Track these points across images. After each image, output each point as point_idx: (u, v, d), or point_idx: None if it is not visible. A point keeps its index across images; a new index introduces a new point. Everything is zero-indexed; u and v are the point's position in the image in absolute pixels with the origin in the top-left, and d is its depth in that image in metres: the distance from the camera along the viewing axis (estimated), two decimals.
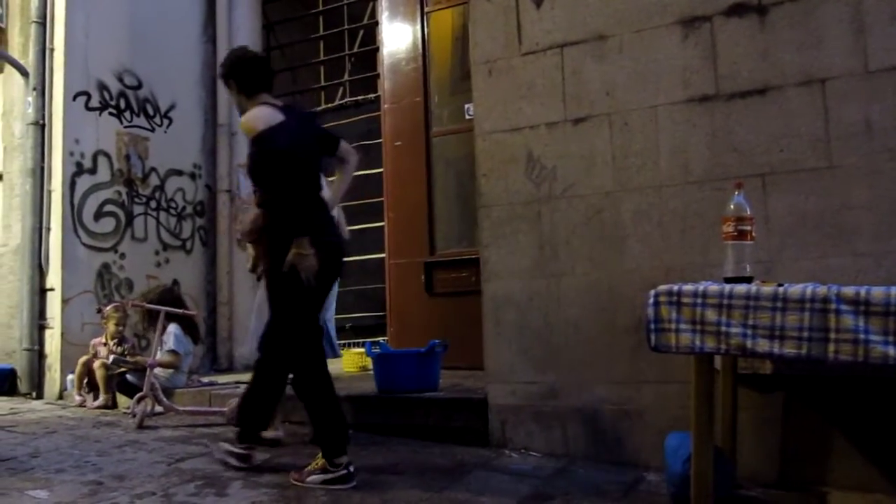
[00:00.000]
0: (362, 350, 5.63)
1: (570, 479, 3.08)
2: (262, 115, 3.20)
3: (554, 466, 3.27)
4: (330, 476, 3.01)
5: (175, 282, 6.49)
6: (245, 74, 3.34)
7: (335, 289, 3.87)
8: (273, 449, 3.66)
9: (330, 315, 3.81)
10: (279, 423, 3.93)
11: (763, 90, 3.12)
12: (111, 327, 5.48)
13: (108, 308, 5.56)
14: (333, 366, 6.22)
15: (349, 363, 5.96)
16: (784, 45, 3.08)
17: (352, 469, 3.04)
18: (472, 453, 3.52)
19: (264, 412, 3.42)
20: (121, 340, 5.52)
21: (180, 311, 5.14)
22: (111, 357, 5.18)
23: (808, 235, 2.99)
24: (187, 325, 5.26)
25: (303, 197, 3.10)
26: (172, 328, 5.14)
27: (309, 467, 3.08)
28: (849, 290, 2.13)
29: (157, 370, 4.88)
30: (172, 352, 5.10)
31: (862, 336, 2.08)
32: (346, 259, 3.47)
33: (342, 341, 6.57)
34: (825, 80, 3.01)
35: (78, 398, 5.46)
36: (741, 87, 3.16)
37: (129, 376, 5.03)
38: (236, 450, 3.31)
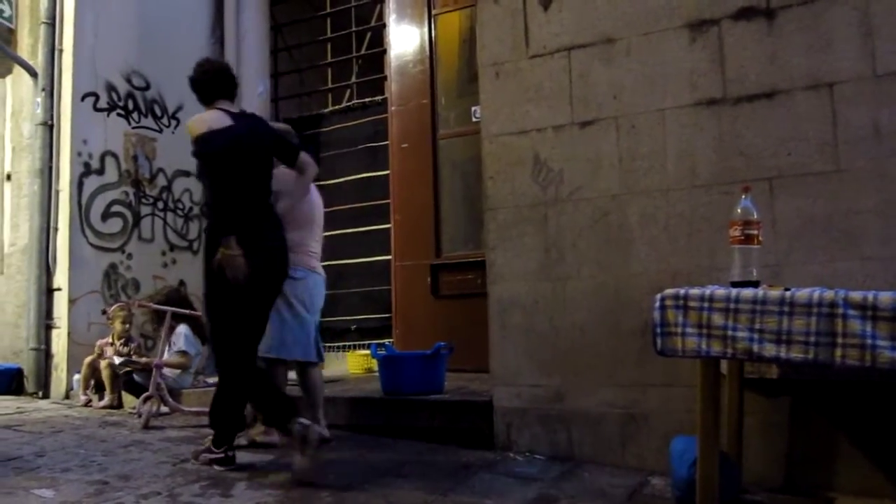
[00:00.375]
0: (368, 352, 5.64)
1: (575, 483, 3.07)
2: (208, 119, 3.33)
3: (559, 469, 3.27)
4: (213, 456, 3.35)
5: (181, 282, 6.51)
6: (200, 85, 3.51)
7: (321, 295, 3.93)
8: (276, 450, 3.66)
9: (316, 319, 3.84)
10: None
11: (771, 94, 3.11)
12: (117, 327, 5.49)
13: (113, 308, 5.58)
14: (340, 367, 6.28)
15: (354, 365, 5.97)
16: (792, 48, 3.08)
17: (230, 454, 3.34)
18: (477, 456, 3.51)
19: (234, 414, 3.46)
20: (127, 340, 5.53)
21: (186, 311, 5.16)
22: (118, 359, 5.19)
23: (815, 239, 2.98)
24: (195, 325, 5.27)
25: (232, 199, 3.23)
26: (182, 329, 5.16)
27: (201, 448, 3.45)
28: (856, 295, 2.12)
29: (166, 370, 4.90)
30: (183, 352, 5.12)
31: (869, 341, 2.07)
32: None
33: (347, 343, 6.58)
34: (833, 83, 3.00)
35: (83, 398, 5.48)
36: (749, 91, 3.15)
37: (136, 376, 5.04)
38: (214, 455, 3.36)
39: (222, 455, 3.33)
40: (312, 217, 3.92)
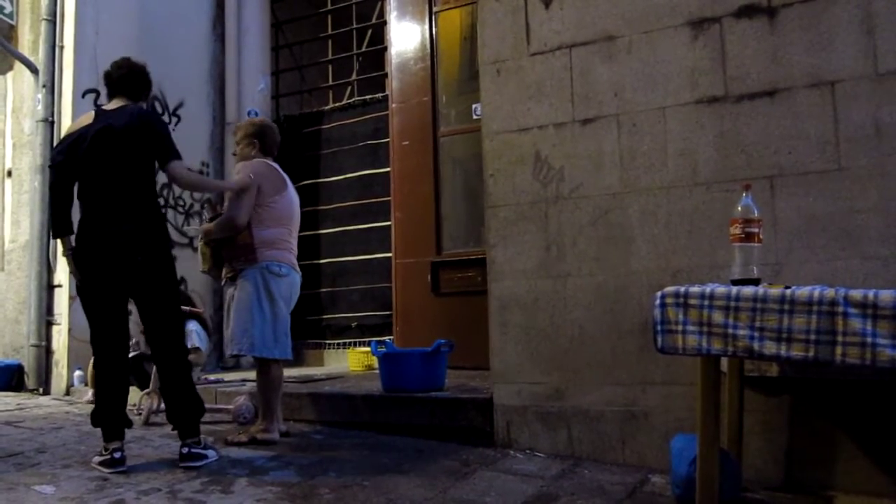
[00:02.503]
0: (368, 349, 5.64)
1: (574, 480, 3.07)
2: (79, 121, 3.56)
3: (559, 467, 3.27)
4: (100, 458, 3.28)
5: (182, 279, 6.50)
6: (106, 81, 3.68)
7: (297, 294, 3.99)
8: (277, 447, 3.67)
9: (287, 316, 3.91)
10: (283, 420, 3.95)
11: (772, 92, 3.11)
12: None
13: None
14: (340, 364, 6.29)
15: (355, 362, 5.98)
16: (793, 46, 3.08)
17: (117, 456, 3.25)
18: (477, 453, 3.52)
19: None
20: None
21: (187, 308, 5.15)
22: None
23: (816, 238, 2.98)
24: (200, 321, 5.28)
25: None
26: (193, 325, 5.16)
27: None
28: (857, 293, 2.12)
29: None
30: (196, 349, 5.13)
31: (870, 339, 2.07)
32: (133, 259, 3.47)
33: (348, 340, 6.59)
34: (834, 82, 3.00)
35: (88, 395, 5.47)
36: (750, 89, 3.15)
37: (146, 365, 5.02)
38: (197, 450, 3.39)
39: (108, 456, 3.28)
40: (291, 214, 3.97)
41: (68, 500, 2.75)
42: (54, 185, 3.44)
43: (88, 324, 3.47)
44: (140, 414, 4.55)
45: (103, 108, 3.56)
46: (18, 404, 5.28)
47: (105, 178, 3.40)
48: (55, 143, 3.51)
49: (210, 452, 3.41)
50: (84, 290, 3.41)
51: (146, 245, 3.39)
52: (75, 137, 3.42)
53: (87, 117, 3.50)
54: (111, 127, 3.39)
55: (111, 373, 3.42)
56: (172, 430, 3.49)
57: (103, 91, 6.09)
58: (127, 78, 3.63)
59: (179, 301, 3.74)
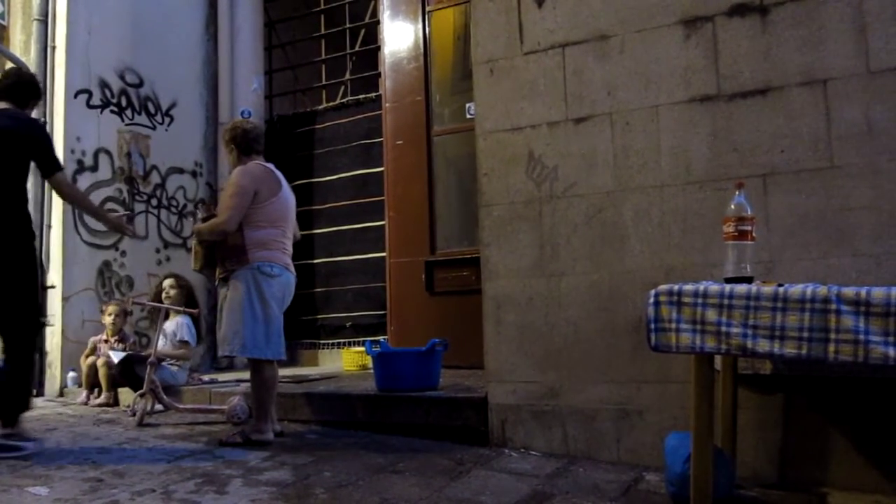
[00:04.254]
0: (362, 349, 5.64)
1: (569, 479, 3.08)
2: None
3: (554, 466, 3.27)
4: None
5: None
6: None
7: (292, 294, 4.02)
8: (271, 447, 3.66)
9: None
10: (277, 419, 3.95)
11: (764, 90, 3.12)
12: (109, 320, 5.53)
13: (110, 305, 5.61)
14: (334, 364, 6.28)
15: (349, 362, 5.97)
16: (786, 45, 3.08)
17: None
18: (472, 452, 3.52)
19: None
20: (121, 338, 5.53)
21: (181, 308, 5.16)
22: (117, 356, 5.16)
23: (808, 236, 2.99)
24: (193, 319, 5.30)
25: None
26: (185, 319, 5.18)
27: None
28: (849, 291, 2.13)
29: (167, 363, 4.93)
30: (185, 342, 5.13)
31: (862, 336, 2.08)
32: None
33: (342, 340, 6.59)
34: (827, 80, 3.01)
35: (84, 396, 5.46)
36: (743, 88, 3.16)
37: (136, 368, 5.02)
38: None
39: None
40: (285, 215, 3.96)
41: (62, 502, 2.74)
42: None
43: None
44: (134, 415, 4.53)
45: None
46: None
47: None
48: None
49: (27, 444, 3.54)
50: None
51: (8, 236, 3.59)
52: None
53: None
54: (13, 136, 3.55)
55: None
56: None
57: (96, 92, 6.17)
58: (14, 87, 3.77)
59: (37, 300, 3.86)
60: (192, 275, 5.45)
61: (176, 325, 5.19)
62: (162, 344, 5.06)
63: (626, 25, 3.41)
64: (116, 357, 5.10)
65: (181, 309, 5.14)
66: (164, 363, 5.05)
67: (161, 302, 5.19)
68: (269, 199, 3.85)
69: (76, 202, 4.06)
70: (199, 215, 5.72)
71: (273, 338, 3.80)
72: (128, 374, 5.07)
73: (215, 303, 6.82)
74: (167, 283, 5.39)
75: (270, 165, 4.01)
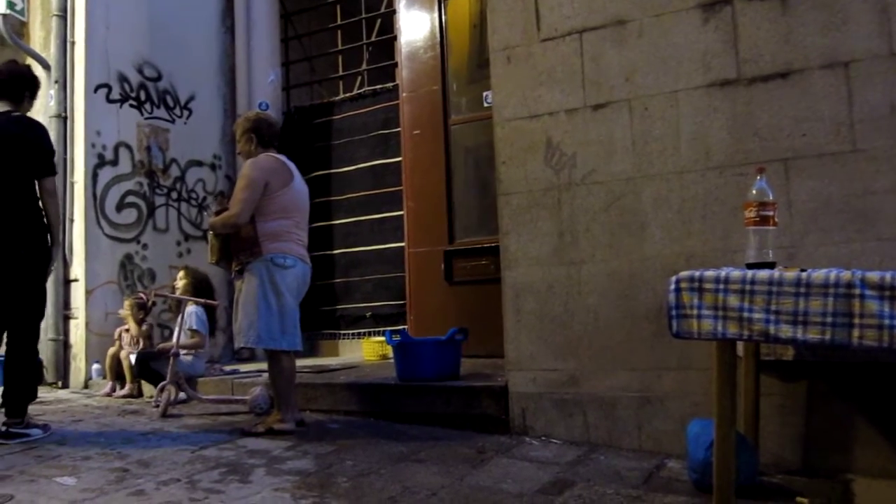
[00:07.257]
0: (383, 339, 5.66)
1: (590, 466, 3.08)
2: None
3: (575, 453, 3.27)
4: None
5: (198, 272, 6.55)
6: None
7: (307, 284, 4.04)
8: (293, 437, 3.69)
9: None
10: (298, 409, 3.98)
11: (785, 74, 3.08)
12: (128, 314, 5.62)
13: (125, 300, 5.72)
14: (355, 354, 6.31)
15: (370, 352, 6.00)
16: (807, 27, 3.04)
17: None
18: (493, 441, 3.53)
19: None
20: (147, 334, 5.64)
21: (202, 300, 5.20)
22: (132, 355, 5.25)
23: (831, 220, 2.95)
24: (209, 311, 5.33)
25: None
26: (194, 308, 5.21)
27: None
28: (873, 275, 2.10)
29: (182, 355, 4.97)
30: (195, 331, 5.17)
31: (887, 321, 2.05)
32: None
33: (362, 330, 6.61)
34: (849, 62, 2.96)
35: (108, 388, 5.54)
36: (763, 71, 3.12)
37: (151, 364, 5.08)
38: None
39: None
40: (298, 206, 3.97)
41: (89, 492, 2.78)
42: None
43: None
44: (158, 406, 4.59)
45: None
46: (38, 398, 5.31)
47: None
48: None
49: (34, 431, 3.73)
50: None
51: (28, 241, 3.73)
52: None
53: None
54: (11, 140, 3.60)
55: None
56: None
57: (115, 86, 6.21)
58: (6, 83, 3.78)
59: (43, 292, 4.02)
60: (212, 268, 5.49)
61: (186, 314, 5.22)
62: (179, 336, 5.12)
63: (644, 10, 3.37)
64: (133, 358, 5.20)
65: (201, 301, 5.19)
66: (180, 357, 5.09)
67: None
68: (281, 189, 3.85)
69: (47, 211, 3.94)
70: (213, 209, 5.76)
71: (288, 329, 3.81)
72: (144, 372, 5.14)
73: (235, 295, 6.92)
74: (179, 275, 5.47)
75: (282, 157, 4.02)
